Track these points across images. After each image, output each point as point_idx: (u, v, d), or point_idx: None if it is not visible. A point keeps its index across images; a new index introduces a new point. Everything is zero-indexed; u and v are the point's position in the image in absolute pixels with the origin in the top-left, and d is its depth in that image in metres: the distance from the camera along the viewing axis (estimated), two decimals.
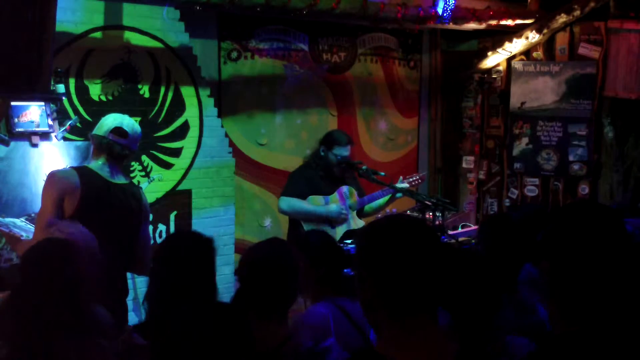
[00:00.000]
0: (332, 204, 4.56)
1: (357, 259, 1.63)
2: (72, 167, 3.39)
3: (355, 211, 4.68)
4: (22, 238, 3.36)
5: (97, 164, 3.34)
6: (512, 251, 2.88)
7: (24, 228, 3.50)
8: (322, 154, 4.62)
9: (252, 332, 1.78)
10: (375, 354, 1.56)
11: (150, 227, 5.15)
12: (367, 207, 4.81)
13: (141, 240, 3.48)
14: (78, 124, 4.61)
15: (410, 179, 4.87)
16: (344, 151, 4.59)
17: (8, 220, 3.59)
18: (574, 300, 1.62)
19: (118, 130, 3.36)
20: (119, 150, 3.37)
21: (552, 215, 1.83)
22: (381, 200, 4.78)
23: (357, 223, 4.65)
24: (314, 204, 4.55)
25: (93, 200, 3.24)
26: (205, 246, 2.54)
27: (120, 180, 3.43)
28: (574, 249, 1.64)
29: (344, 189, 4.66)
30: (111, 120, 3.40)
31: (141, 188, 3.64)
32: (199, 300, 2.28)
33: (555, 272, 1.66)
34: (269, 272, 2.34)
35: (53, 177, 3.27)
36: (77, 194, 3.20)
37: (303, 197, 4.52)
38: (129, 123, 3.43)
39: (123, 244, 3.38)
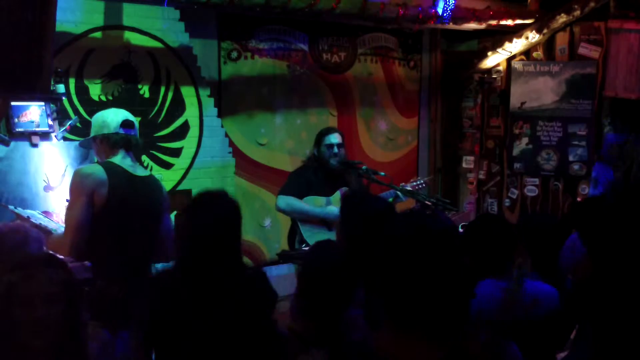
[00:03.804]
0: (331, 206, 4.53)
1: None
2: (97, 163, 3.38)
3: None
4: (52, 232, 3.36)
5: (118, 159, 3.34)
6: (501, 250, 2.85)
7: (45, 220, 3.50)
8: (315, 153, 4.61)
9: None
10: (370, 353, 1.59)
11: None
12: None
13: (164, 230, 3.48)
14: (78, 124, 4.61)
15: (414, 183, 4.84)
16: (333, 138, 4.55)
17: (29, 212, 3.58)
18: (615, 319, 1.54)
19: (127, 123, 3.38)
20: (134, 141, 3.39)
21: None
22: None
23: None
24: (315, 204, 4.53)
25: (120, 195, 3.23)
26: (232, 207, 2.49)
27: (142, 172, 3.44)
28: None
29: (347, 190, 4.63)
30: (113, 115, 3.40)
31: (158, 179, 3.64)
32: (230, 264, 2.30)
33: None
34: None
35: (81, 174, 3.25)
36: (105, 189, 3.19)
37: (301, 197, 4.50)
38: (129, 114, 3.46)
39: (149, 235, 3.38)
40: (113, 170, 3.27)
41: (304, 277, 2.43)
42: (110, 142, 3.36)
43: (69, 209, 3.21)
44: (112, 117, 3.39)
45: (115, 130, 3.35)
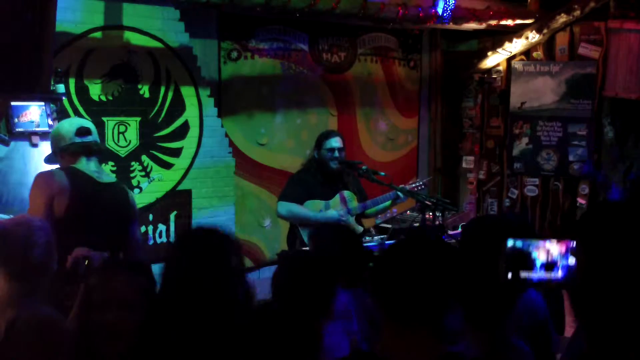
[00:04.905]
0: (331, 210, 4.52)
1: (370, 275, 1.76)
2: (59, 168, 3.38)
3: (354, 216, 4.65)
4: None
5: (82, 165, 3.33)
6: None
7: None
8: (316, 155, 4.61)
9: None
10: (372, 356, 1.60)
11: (150, 227, 5.17)
12: (369, 210, 4.77)
13: (132, 239, 3.45)
14: None
15: (413, 185, 4.84)
16: (334, 142, 4.55)
17: (1, 215, 3.59)
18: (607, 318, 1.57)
19: (81, 130, 3.37)
20: (94, 147, 3.38)
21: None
22: (384, 204, 4.74)
23: (356, 228, 4.59)
24: (314, 208, 4.52)
25: (83, 201, 3.22)
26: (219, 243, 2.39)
27: (108, 179, 3.43)
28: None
29: (346, 193, 4.63)
30: (67, 126, 3.42)
31: (126, 186, 3.62)
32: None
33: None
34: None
35: (42, 178, 3.26)
36: (67, 194, 3.18)
37: (300, 201, 4.50)
38: (84, 121, 3.49)
39: (115, 243, 3.34)
40: (76, 176, 3.26)
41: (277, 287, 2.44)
42: (69, 153, 3.36)
43: (29, 213, 3.20)
44: (67, 128, 3.40)
45: (70, 140, 3.35)
